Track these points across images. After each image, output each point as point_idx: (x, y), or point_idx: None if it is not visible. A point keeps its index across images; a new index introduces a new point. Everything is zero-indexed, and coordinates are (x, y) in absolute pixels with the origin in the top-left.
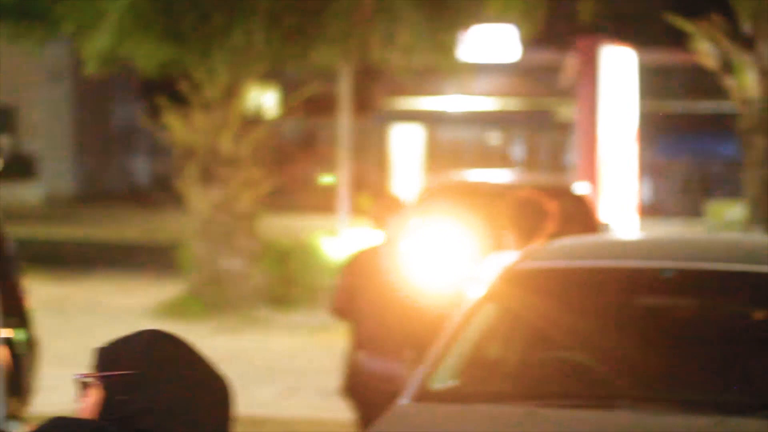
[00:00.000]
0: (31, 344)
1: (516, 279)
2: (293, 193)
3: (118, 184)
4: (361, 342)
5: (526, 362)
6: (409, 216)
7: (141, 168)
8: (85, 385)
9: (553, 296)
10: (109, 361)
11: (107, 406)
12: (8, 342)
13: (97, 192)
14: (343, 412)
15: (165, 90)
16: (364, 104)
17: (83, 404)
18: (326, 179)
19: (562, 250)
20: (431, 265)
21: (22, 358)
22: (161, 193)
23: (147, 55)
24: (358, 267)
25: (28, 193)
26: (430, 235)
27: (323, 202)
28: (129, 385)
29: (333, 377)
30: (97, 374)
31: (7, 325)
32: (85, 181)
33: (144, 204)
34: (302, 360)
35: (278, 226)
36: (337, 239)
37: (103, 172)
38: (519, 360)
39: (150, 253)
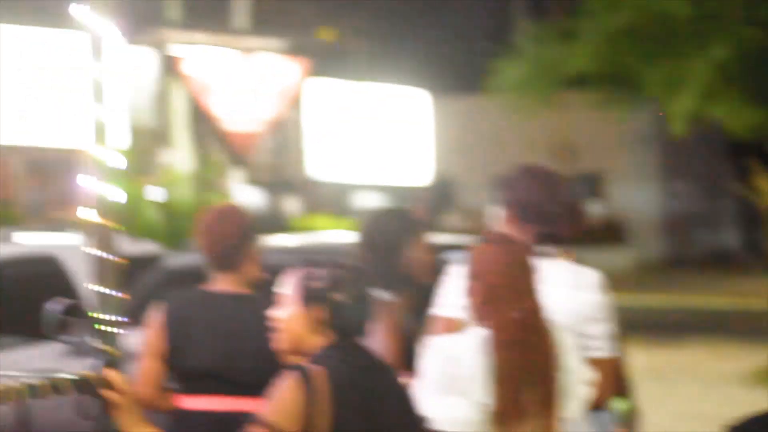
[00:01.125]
0: (634, 413)
1: None
2: None
3: (706, 247)
4: None
5: None
6: None
7: (729, 231)
8: None
9: None
10: None
11: None
12: (621, 414)
13: (685, 256)
14: None
15: (754, 151)
16: None
17: None
18: None
19: None
20: None
21: (626, 428)
22: (751, 256)
23: (734, 117)
24: None
25: (618, 259)
26: None
27: None
28: None
29: None
30: None
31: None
32: (673, 245)
33: (733, 268)
34: None
35: None
36: None
37: (691, 235)
38: None
39: (741, 319)
